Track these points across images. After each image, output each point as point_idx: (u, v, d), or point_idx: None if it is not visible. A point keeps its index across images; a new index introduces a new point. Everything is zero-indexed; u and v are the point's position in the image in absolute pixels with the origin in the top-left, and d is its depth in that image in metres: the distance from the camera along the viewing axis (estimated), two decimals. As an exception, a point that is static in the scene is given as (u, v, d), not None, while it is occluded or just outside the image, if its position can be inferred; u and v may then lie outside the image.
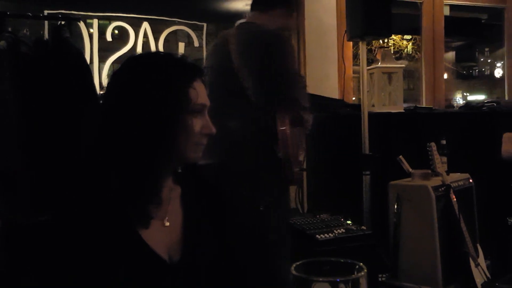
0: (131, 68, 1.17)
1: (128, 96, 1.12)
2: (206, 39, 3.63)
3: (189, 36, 3.59)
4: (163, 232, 1.17)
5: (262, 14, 2.34)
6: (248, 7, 2.48)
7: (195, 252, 1.20)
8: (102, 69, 3.33)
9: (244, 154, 2.16)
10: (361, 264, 0.80)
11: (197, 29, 3.60)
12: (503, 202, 3.30)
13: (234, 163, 2.15)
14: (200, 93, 1.17)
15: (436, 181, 2.65)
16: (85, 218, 1.06)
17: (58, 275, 1.03)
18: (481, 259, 2.74)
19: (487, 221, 3.11)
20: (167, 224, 1.19)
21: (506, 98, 4.68)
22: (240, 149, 2.16)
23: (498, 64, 7.48)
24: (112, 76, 1.18)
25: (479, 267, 2.61)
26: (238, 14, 4.77)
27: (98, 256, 1.04)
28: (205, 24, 3.59)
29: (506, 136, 3.32)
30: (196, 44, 3.60)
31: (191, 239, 1.20)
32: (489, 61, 12.01)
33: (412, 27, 4.80)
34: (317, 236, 2.49)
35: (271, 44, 2.14)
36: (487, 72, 12.07)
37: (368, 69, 3.42)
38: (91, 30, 3.39)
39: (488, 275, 2.72)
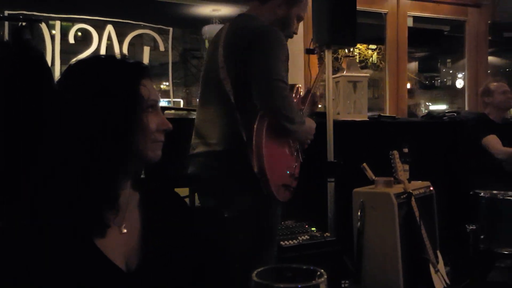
0: (74, 74, 1.15)
1: (76, 101, 1.09)
2: (172, 44, 3.60)
3: (155, 40, 3.56)
4: (120, 240, 1.12)
5: (261, 5, 2.12)
6: (215, 12, 2.44)
7: (153, 261, 1.16)
8: (64, 72, 3.25)
9: (216, 159, 2.04)
10: (322, 270, 0.79)
11: (163, 34, 3.57)
12: (462, 210, 3.38)
13: (206, 167, 2.07)
14: (151, 89, 1.15)
15: (398, 188, 2.70)
16: (36, 226, 1.02)
17: (9, 286, 0.99)
18: (441, 266, 2.80)
19: (447, 228, 3.18)
20: (124, 231, 1.14)
21: (466, 108, 4.82)
22: (214, 153, 2.03)
23: (460, 75, 7.70)
24: (57, 83, 1.15)
25: (438, 273, 2.66)
26: (206, 20, 4.81)
27: (51, 266, 1.00)
28: (171, 29, 3.56)
29: (487, 139, 3.41)
30: (162, 48, 3.57)
31: (150, 247, 1.17)
32: (450, 72, 12.37)
33: (377, 37, 4.89)
34: (281, 242, 2.49)
35: (253, 42, 1.95)
36: (449, 83, 12.42)
37: (333, 78, 3.46)
38: (53, 32, 3.31)
39: (448, 281, 2.78)
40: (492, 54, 6.48)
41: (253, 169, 1.92)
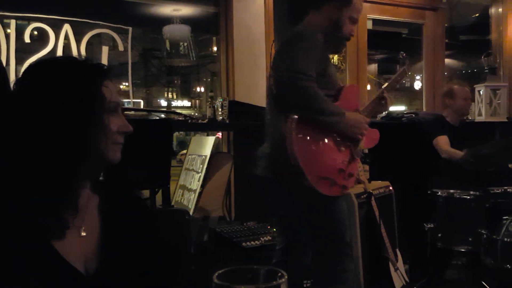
0: (35, 75, 1.13)
1: (36, 101, 1.07)
2: (131, 43, 3.55)
3: (113, 39, 3.49)
4: (79, 243, 1.11)
5: (316, 13, 2.24)
6: (176, 12, 2.45)
7: (112, 264, 1.15)
8: (19, 72, 3.15)
9: (268, 160, 2.17)
10: (283, 271, 0.79)
11: (122, 33, 3.51)
12: (421, 209, 3.46)
13: (263, 168, 2.19)
14: (112, 91, 1.15)
15: (358, 188, 2.73)
16: None
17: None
18: (400, 264, 2.85)
19: (406, 227, 3.25)
20: (84, 234, 1.13)
21: (424, 109, 4.94)
22: (268, 154, 2.17)
23: (418, 77, 7.88)
24: (15, 84, 1.12)
25: (398, 271, 2.72)
26: (166, 19, 4.76)
27: (7, 268, 0.98)
28: (130, 28, 3.51)
29: (437, 140, 3.49)
30: (121, 48, 3.51)
31: (109, 250, 1.16)
32: (409, 73, 12.66)
33: (338, 39, 4.94)
34: (243, 244, 2.49)
35: (286, 43, 2.14)
36: (407, 84, 12.70)
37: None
38: (8, 31, 3.20)
39: (407, 279, 2.84)
40: (448, 56, 6.67)
41: (291, 164, 1.98)
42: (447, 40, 5.18)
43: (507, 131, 4.32)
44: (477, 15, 6.01)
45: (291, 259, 2.29)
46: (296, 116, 2.00)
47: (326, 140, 2.10)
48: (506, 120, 4.50)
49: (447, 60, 5.46)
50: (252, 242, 2.53)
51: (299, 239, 2.24)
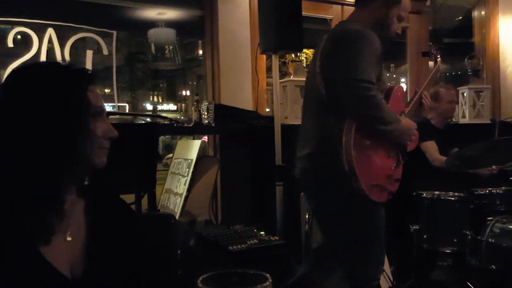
0: (20, 80, 1.13)
1: (22, 106, 1.07)
2: (116, 47, 3.53)
3: (98, 43, 3.47)
4: (65, 248, 1.12)
5: (361, 11, 2.19)
6: (161, 16, 2.44)
7: (98, 268, 1.15)
8: (3, 76, 3.12)
9: (310, 162, 2.14)
10: (268, 274, 0.80)
11: (107, 37, 3.50)
12: (406, 211, 3.48)
13: (303, 170, 2.18)
14: (97, 96, 1.16)
15: (344, 190, 2.74)
16: None
17: None
18: (386, 265, 2.86)
19: (391, 229, 3.26)
20: (69, 238, 1.14)
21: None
22: (310, 156, 2.14)
23: (402, 79, 7.95)
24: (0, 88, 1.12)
25: (384, 272, 2.72)
26: (151, 23, 4.74)
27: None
28: (115, 32, 3.49)
29: (426, 145, 3.51)
30: (106, 52, 3.49)
31: (95, 255, 1.16)
32: (394, 76, 12.76)
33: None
34: (229, 247, 2.48)
35: (336, 44, 2.05)
36: (393, 87, 12.78)
37: (281, 82, 3.49)
38: (-9, 35, 3.18)
39: (393, 280, 2.86)
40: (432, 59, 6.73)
41: (344, 170, 1.97)
42: (430, 43, 5.23)
43: (490, 132, 4.37)
44: (460, 18, 6.08)
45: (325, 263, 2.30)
46: (354, 124, 1.97)
47: (378, 147, 2.10)
48: (489, 122, 4.55)
49: (431, 63, 5.51)
50: (239, 246, 2.52)
51: (335, 241, 2.22)
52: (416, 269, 3.36)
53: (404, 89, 5.93)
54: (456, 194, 3.13)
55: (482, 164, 3.42)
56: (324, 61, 2.07)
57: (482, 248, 3.17)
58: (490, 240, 3.18)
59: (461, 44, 6.09)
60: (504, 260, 3.13)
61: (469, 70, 4.86)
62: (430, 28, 5.18)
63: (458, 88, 4.60)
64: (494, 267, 3.06)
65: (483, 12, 5.13)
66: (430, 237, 3.27)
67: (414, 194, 3.42)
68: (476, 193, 3.24)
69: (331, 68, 2.01)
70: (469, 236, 3.05)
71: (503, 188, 3.38)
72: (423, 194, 3.34)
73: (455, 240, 3.09)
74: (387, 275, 2.76)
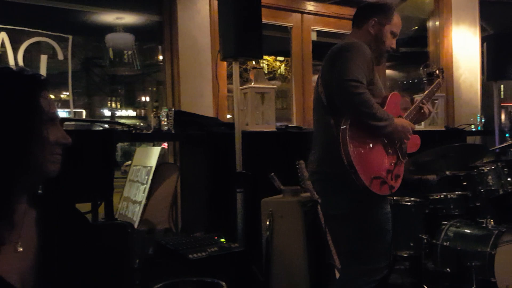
0: None
1: None
2: (72, 52, 3.45)
3: (53, 48, 3.39)
4: (15, 258, 1.09)
5: (358, 30, 2.53)
6: (119, 21, 2.44)
7: (51, 280, 1.12)
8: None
9: (318, 164, 2.42)
10: (223, 283, 0.80)
11: (62, 41, 3.42)
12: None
13: (312, 173, 2.43)
14: (50, 102, 1.13)
15: (305, 197, 2.77)
16: None
17: None
18: (346, 270, 2.90)
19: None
20: (20, 249, 1.11)
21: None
22: (317, 159, 2.43)
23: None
24: None
25: (343, 277, 2.76)
26: (109, 27, 4.67)
27: None
28: (70, 37, 3.42)
29: None
30: (61, 57, 3.41)
31: (47, 265, 1.13)
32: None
33: (285, 50, 5.03)
34: (189, 255, 2.45)
35: (335, 54, 2.33)
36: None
37: (241, 89, 3.50)
38: None
39: (352, 285, 2.89)
40: (390, 67, 6.91)
41: (344, 165, 2.19)
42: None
43: (444, 139, 4.50)
44: (416, 28, 6.26)
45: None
46: (349, 121, 2.23)
47: (376, 143, 2.34)
48: (443, 128, 4.70)
49: (388, 71, 5.65)
50: (199, 254, 2.49)
51: (345, 238, 2.43)
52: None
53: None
54: (412, 199, 3.21)
55: (436, 169, 3.52)
56: (324, 70, 2.40)
57: (437, 252, 3.26)
58: (444, 243, 3.28)
59: (417, 53, 6.27)
60: (458, 263, 3.23)
61: (424, 79, 5.00)
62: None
63: (413, 96, 4.72)
64: (449, 270, 3.15)
65: (437, 23, 5.30)
66: (388, 242, 3.33)
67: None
68: (431, 197, 3.33)
69: (329, 74, 2.32)
70: (425, 240, 3.13)
71: (456, 193, 3.49)
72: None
73: (411, 244, 3.16)
74: (346, 280, 2.79)
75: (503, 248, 3.26)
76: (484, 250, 3.19)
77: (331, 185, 2.37)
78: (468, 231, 3.44)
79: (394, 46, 2.56)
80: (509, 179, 3.61)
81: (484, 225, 3.42)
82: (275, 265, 2.73)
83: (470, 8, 5.10)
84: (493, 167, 3.60)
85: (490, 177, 3.56)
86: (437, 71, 2.97)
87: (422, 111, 2.64)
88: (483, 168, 3.59)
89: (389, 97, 2.47)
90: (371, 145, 2.32)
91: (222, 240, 2.74)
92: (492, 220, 3.43)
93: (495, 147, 4.48)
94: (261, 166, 3.00)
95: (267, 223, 2.76)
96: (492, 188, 3.54)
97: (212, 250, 2.56)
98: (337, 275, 2.69)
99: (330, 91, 2.30)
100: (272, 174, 2.79)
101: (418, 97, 3.02)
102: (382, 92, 2.49)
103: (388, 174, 2.34)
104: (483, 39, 5.23)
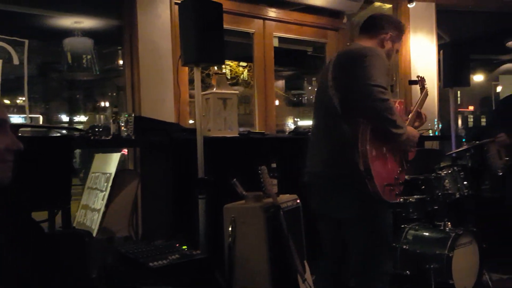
0: None
1: None
2: (28, 56, 3.35)
3: (8, 52, 3.28)
4: None
5: (369, 39, 2.53)
6: (78, 25, 2.37)
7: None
8: None
9: (324, 168, 2.41)
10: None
11: (18, 46, 3.31)
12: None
13: (315, 176, 2.47)
14: (0, 108, 1.09)
15: (267, 202, 2.77)
16: None
17: None
18: (308, 275, 2.91)
19: (313, 238, 3.33)
20: None
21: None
22: (323, 163, 2.42)
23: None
24: None
25: (306, 282, 2.77)
26: (67, 31, 4.57)
27: None
28: (26, 41, 3.31)
29: None
30: (16, 61, 3.30)
31: (1, 275, 1.09)
32: (316, 89, 13.17)
33: (247, 55, 5.04)
34: (150, 263, 2.40)
35: (356, 59, 2.30)
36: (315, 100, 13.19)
37: (203, 94, 3.48)
38: None
39: (314, 289, 2.91)
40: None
41: (359, 170, 2.20)
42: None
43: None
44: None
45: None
46: (370, 126, 2.23)
47: (388, 150, 2.38)
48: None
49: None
50: (160, 262, 2.44)
51: (352, 241, 2.46)
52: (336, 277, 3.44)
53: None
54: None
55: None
56: (338, 74, 2.36)
57: (397, 255, 3.32)
58: (404, 246, 3.34)
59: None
60: (417, 265, 3.29)
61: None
62: (347, 44, 5.38)
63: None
64: (408, 273, 3.21)
65: (395, 30, 5.41)
66: (349, 246, 3.36)
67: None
68: (390, 201, 3.38)
69: (347, 79, 2.29)
70: (385, 243, 3.18)
71: (415, 196, 3.56)
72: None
73: (372, 247, 3.20)
74: (309, 285, 2.80)
75: (460, 251, 3.35)
76: (442, 252, 3.27)
77: (340, 188, 2.36)
78: (427, 234, 3.52)
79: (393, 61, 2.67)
80: (465, 182, 3.71)
81: (442, 228, 3.51)
82: (238, 271, 2.72)
83: (427, 16, 5.23)
84: (450, 171, 3.69)
85: (447, 181, 3.65)
86: (420, 80, 3.06)
87: (420, 118, 2.69)
88: (440, 172, 3.68)
89: (395, 105, 2.44)
90: (385, 152, 2.36)
91: (184, 247, 2.70)
92: (449, 223, 3.53)
93: (452, 152, 4.60)
94: (223, 172, 2.99)
95: (230, 229, 2.74)
96: (449, 191, 3.63)
97: (173, 257, 2.52)
98: (300, 280, 2.70)
99: (346, 95, 2.29)
100: (234, 180, 2.78)
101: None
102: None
103: (396, 181, 2.39)
104: (440, 47, 5.37)
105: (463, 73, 4.79)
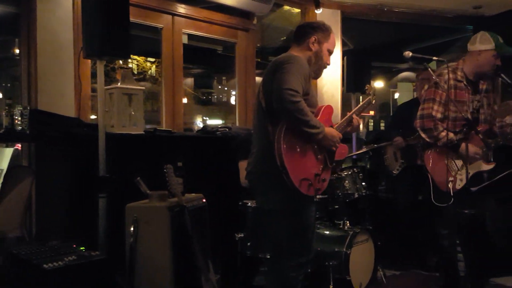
0: None
1: None
2: None
3: None
4: None
5: (298, 46, 2.78)
6: None
7: None
8: None
9: (255, 164, 2.66)
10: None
11: None
12: (232, 220, 3.59)
13: (250, 172, 2.70)
14: None
15: (172, 201, 2.72)
16: None
17: None
18: (212, 275, 2.90)
19: (219, 238, 3.33)
20: None
21: (237, 124, 5.16)
22: (255, 159, 2.67)
23: (233, 92, 8.28)
24: None
25: (209, 282, 2.76)
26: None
27: None
28: None
29: (242, 165, 3.63)
30: None
31: None
32: (225, 89, 13.23)
33: (156, 51, 4.92)
34: (44, 265, 2.27)
35: (277, 65, 2.54)
36: (225, 99, 13.26)
37: (107, 89, 3.34)
38: None
39: (218, 288, 2.91)
40: (259, 75, 7.10)
41: (278, 165, 2.42)
42: (258, 59, 5.50)
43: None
44: (284, 38, 6.54)
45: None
46: (284, 126, 2.45)
47: (307, 148, 2.56)
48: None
49: (258, 78, 5.80)
50: (55, 263, 2.32)
51: (277, 233, 2.68)
52: (240, 276, 3.48)
53: (234, 102, 6.16)
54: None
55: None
56: (265, 79, 2.62)
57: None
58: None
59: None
60: (318, 262, 3.41)
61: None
62: (258, 45, 5.45)
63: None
64: (309, 270, 3.31)
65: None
66: (253, 245, 3.41)
67: (240, 203, 3.55)
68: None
69: (270, 83, 2.53)
70: (288, 242, 3.25)
71: (318, 196, 3.68)
72: (248, 204, 3.48)
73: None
74: (213, 284, 2.80)
75: (357, 248, 3.52)
76: (341, 250, 3.41)
77: (267, 183, 2.58)
78: (327, 232, 3.66)
79: (329, 62, 2.85)
80: (363, 183, 3.91)
81: (341, 226, 3.67)
82: (140, 272, 2.65)
83: (333, 22, 5.41)
84: (349, 173, 3.87)
85: (347, 181, 3.82)
86: (369, 90, 3.22)
87: (352, 123, 2.89)
88: (341, 173, 3.84)
89: (323, 108, 2.74)
90: (302, 149, 2.54)
91: (82, 248, 2.59)
92: (348, 222, 3.69)
93: (352, 154, 4.82)
94: (127, 170, 2.90)
95: (131, 229, 2.66)
96: (349, 192, 3.80)
97: (69, 259, 2.40)
98: (203, 280, 2.69)
99: (270, 98, 2.52)
100: (138, 178, 2.71)
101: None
102: (317, 102, 2.75)
103: (316, 177, 2.58)
104: (344, 53, 5.60)
105: (364, 79, 5.04)
